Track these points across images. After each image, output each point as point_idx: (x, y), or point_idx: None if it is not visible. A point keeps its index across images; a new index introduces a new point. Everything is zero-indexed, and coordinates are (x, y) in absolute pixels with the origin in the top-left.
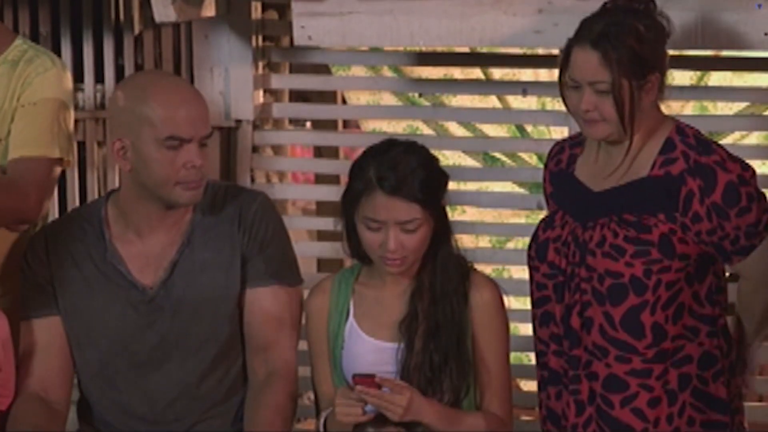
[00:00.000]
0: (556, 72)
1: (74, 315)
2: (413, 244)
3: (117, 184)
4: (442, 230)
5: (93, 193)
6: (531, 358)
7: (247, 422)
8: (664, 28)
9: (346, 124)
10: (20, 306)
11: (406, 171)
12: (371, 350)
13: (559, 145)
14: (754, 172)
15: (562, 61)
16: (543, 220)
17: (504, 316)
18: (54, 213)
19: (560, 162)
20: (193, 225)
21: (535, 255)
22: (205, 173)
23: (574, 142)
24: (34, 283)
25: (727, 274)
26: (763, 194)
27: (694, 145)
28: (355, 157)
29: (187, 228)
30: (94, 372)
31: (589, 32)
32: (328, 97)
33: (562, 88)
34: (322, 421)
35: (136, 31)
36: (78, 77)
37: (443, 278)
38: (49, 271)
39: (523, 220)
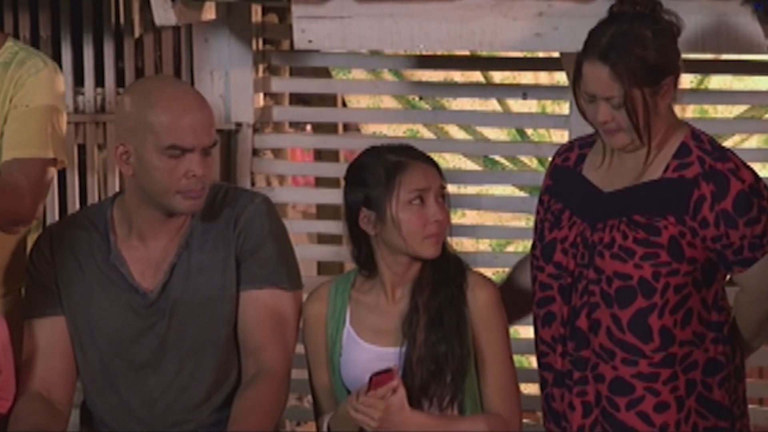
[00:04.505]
0: (556, 75)
1: (77, 315)
2: (447, 216)
3: (117, 188)
4: None
5: (93, 197)
6: (531, 361)
7: (230, 422)
8: (673, 27)
9: (347, 127)
10: (26, 305)
11: (414, 151)
12: (373, 358)
13: (569, 144)
14: (765, 184)
15: (574, 74)
16: (546, 220)
17: (502, 314)
18: (54, 216)
19: (568, 159)
20: (192, 228)
21: (541, 255)
22: (206, 183)
23: (584, 142)
24: (38, 282)
25: (726, 278)
26: None
27: (710, 150)
28: (351, 168)
29: (186, 231)
30: (96, 373)
31: (596, 45)
32: (328, 100)
33: (577, 99)
34: (325, 425)
35: (137, 34)
36: (78, 80)
37: (441, 270)
38: (53, 271)
39: (523, 224)
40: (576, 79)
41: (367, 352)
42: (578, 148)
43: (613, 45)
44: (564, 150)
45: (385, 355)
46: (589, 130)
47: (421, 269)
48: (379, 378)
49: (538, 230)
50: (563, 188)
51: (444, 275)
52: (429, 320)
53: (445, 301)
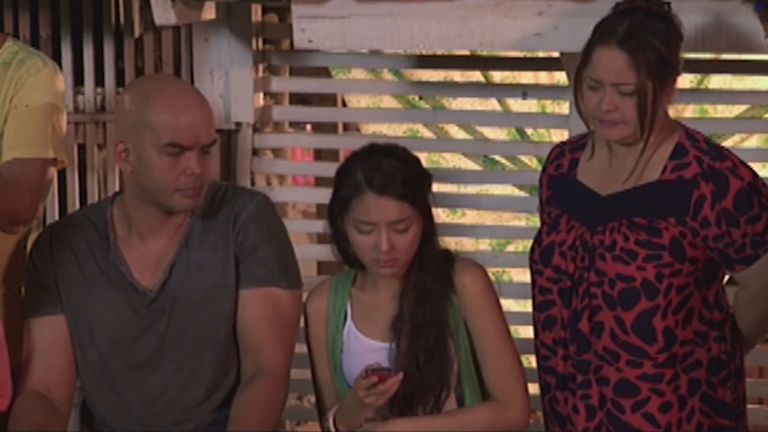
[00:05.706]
0: (556, 75)
1: (77, 314)
2: (405, 245)
3: (117, 188)
4: (428, 230)
5: (93, 196)
6: (531, 360)
7: (230, 422)
8: (680, 30)
9: (347, 127)
10: (25, 304)
11: (391, 170)
12: (368, 350)
13: (559, 149)
14: (763, 181)
15: (581, 60)
16: (545, 223)
17: (492, 296)
18: (54, 216)
19: (561, 166)
20: (191, 226)
21: (539, 259)
22: (204, 181)
23: (574, 146)
24: (38, 282)
25: (726, 277)
26: None
27: (707, 149)
28: (340, 164)
29: (186, 229)
30: (95, 372)
31: (614, 32)
32: (328, 100)
33: (577, 86)
34: (331, 420)
35: (137, 34)
36: (78, 80)
37: (429, 277)
38: (53, 270)
39: (523, 223)
40: (582, 66)
41: (369, 347)
42: (569, 152)
43: (633, 33)
44: (555, 157)
45: (377, 349)
46: None
47: (409, 271)
48: (375, 375)
49: (536, 234)
50: (560, 195)
51: (431, 280)
52: (411, 328)
53: (425, 312)
